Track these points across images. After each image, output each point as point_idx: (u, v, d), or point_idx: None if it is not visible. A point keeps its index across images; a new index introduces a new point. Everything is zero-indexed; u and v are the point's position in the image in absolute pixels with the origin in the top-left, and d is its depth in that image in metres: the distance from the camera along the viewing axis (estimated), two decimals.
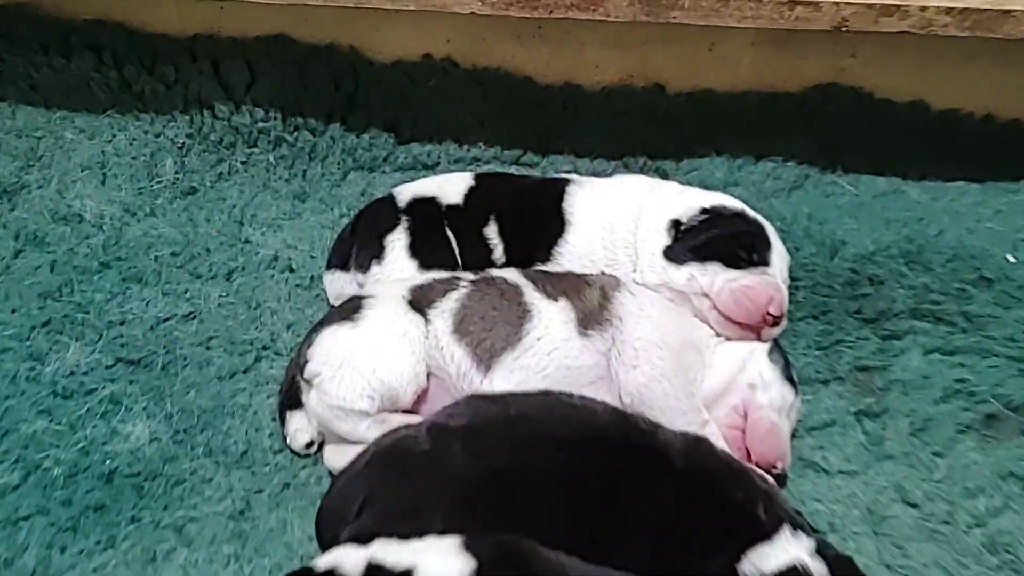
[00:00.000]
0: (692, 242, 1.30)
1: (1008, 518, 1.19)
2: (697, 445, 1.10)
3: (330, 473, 1.24)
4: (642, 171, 1.72)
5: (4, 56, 1.81)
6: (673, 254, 1.31)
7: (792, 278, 1.44)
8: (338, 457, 1.20)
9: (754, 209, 1.43)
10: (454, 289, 1.24)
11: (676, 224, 1.35)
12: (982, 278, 1.50)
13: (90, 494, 1.21)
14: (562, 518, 1.01)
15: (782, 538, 1.01)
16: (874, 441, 1.30)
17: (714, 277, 1.29)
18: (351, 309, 1.26)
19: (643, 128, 1.79)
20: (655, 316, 1.23)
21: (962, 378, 1.36)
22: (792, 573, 0.99)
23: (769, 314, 1.25)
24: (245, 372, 1.39)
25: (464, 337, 1.20)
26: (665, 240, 1.35)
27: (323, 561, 0.95)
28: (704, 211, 1.36)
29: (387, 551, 0.94)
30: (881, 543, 1.16)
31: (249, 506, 1.22)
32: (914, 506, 1.22)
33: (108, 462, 1.25)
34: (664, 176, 1.70)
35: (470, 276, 1.28)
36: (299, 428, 1.26)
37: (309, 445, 1.26)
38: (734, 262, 1.30)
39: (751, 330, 1.26)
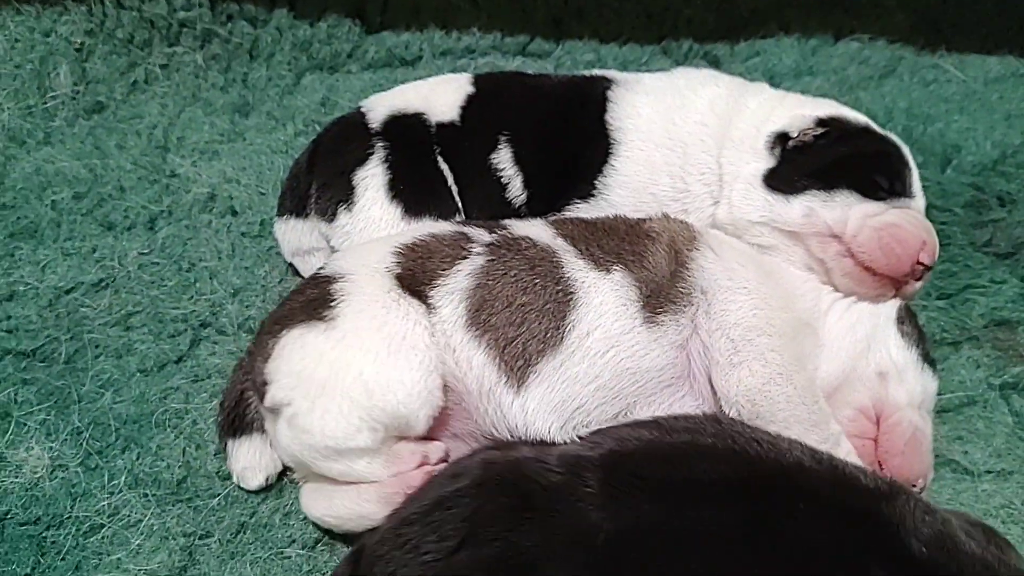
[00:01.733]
0: (811, 164, 0.94)
1: None
2: (949, 530, 0.73)
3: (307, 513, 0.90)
4: (687, 59, 1.34)
5: None
6: (782, 181, 0.95)
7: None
8: (322, 502, 0.86)
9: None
10: (464, 258, 0.87)
11: (782, 139, 0.98)
12: None
13: None
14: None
15: None
16: (1019, 423, 0.98)
17: (847, 211, 0.94)
18: (320, 302, 0.88)
19: (680, 7, 1.37)
20: (754, 286, 0.86)
21: None
22: None
23: (920, 263, 0.90)
24: (178, 362, 1.05)
25: (485, 334, 0.84)
26: (767, 162, 0.98)
27: None
28: (821, 122, 0.98)
29: None
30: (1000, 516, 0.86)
31: (193, 559, 0.89)
32: None
33: None
34: (715, 64, 1.31)
35: (484, 234, 0.90)
36: (248, 466, 0.91)
37: (264, 486, 0.92)
38: (872, 192, 0.95)
39: (890, 285, 0.91)
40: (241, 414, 0.93)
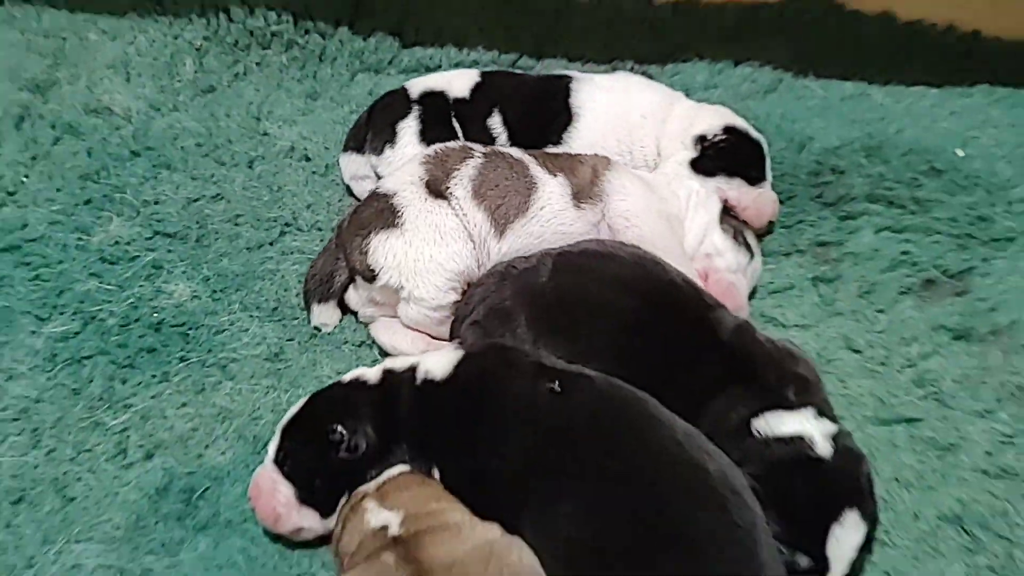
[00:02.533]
0: (720, 158, 1.50)
1: (935, 361, 1.39)
2: (744, 328, 1.23)
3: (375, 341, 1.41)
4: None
5: None
6: (702, 167, 1.50)
7: None
8: (389, 335, 1.37)
9: (732, 110, 1.61)
10: (470, 157, 1.38)
11: (702, 139, 1.52)
12: (933, 168, 1.67)
13: (142, 339, 1.38)
14: (621, 349, 1.18)
15: (802, 415, 1.13)
16: (826, 301, 1.49)
17: (739, 191, 1.50)
18: (388, 212, 1.33)
19: (631, 35, 1.93)
20: (639, 192, 1.39)
21: (907, 251, 1.54)
22: (796, 440, 1.10)
23: (771, 220, 1.50)
24: (271, 244, 1.55)
25: (483, 203, 1.34)
26: (692, 153, 1.52)
27: (349, 374, 1.17)
28: (726, 129, 1.53)
29: (396, 361, 1.18)
30: (827, 378, 1.33)
31: (282, 351, 1.39)
32: (857, 352, 1.41)
33: (156, 314, 1.41)
34: (650, 78, 1.85)
35: (481, 147, 1.42)
36: (325, 321, 1.41)
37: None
38: (751, 179, 1.51)
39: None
40: (327, 289, 1.41)
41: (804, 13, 1.93)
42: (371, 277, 1.34)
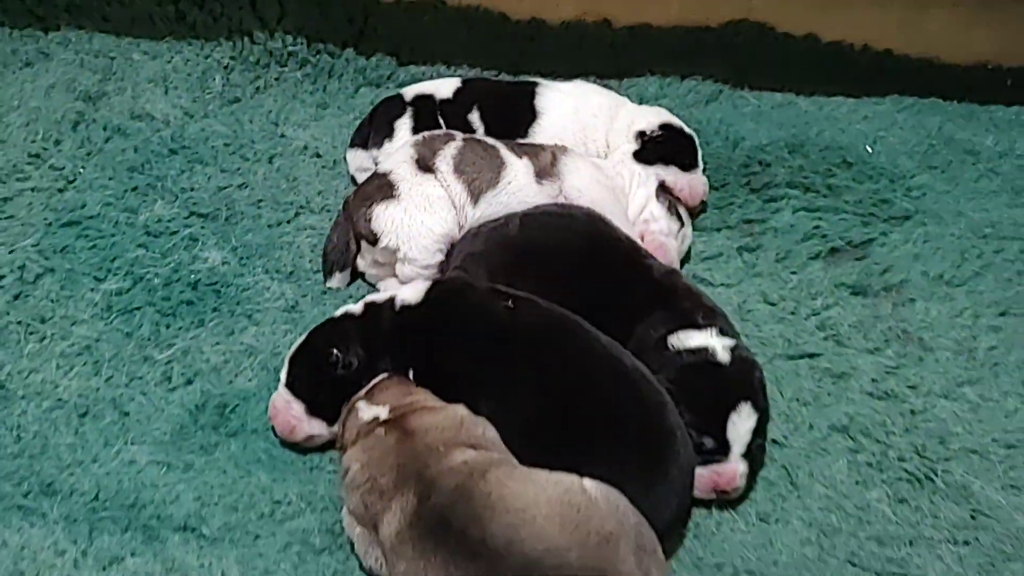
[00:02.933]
0: (658, 150, 1.81)
1: (835, 311, 1.68)
2: (672, 273, 1.57)
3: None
4: None
5: None
6: (643, 157, 1.80)
7: (704, 162, 1.93)
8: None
9: (678, 116, 1.93)
10: (452, 140, 1.70)
11: (642, 134, 1.84)
12: (845, 161, 1.99)
13: (182, 294, 1.67)
14: (574, 283, 1.49)
15: (707, 332, 1.42)
16: (748, 265, 1.79)
17: (675, 176, 1.81)
18: (387, 187, 1.65)
19: (593, 55, 2.27)
20: (588, 170, 1.70)
21: (818, 226, 1.84)
22: (701, 351, 1.39)
23: (703, 201, 1.83)
24: (289, 222, 1.85)
25: (462, 176, 1.65)
26: (634, 146, 1.83)
27: (339, 310, 1.47)
28: (662, 126, 1.85)
29: (376, 296, 1.47)
30: (745, 325, 1.63)
31: (298, 304, 1.69)
32: (771, 304, 1.71)
33: (193, 276, 1.71)
34: (609, 88, 2.18)
35: (460, 134, 1.74)
36: (339, 284, 1.71)
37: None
38: (685, 166, 1.83)
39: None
40: (342, 258, 1.70)
41: (740, 35, 2.26)
42: (373, 240, 1.64)
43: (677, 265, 1.71)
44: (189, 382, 1.55)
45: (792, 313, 1.69)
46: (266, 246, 1.80)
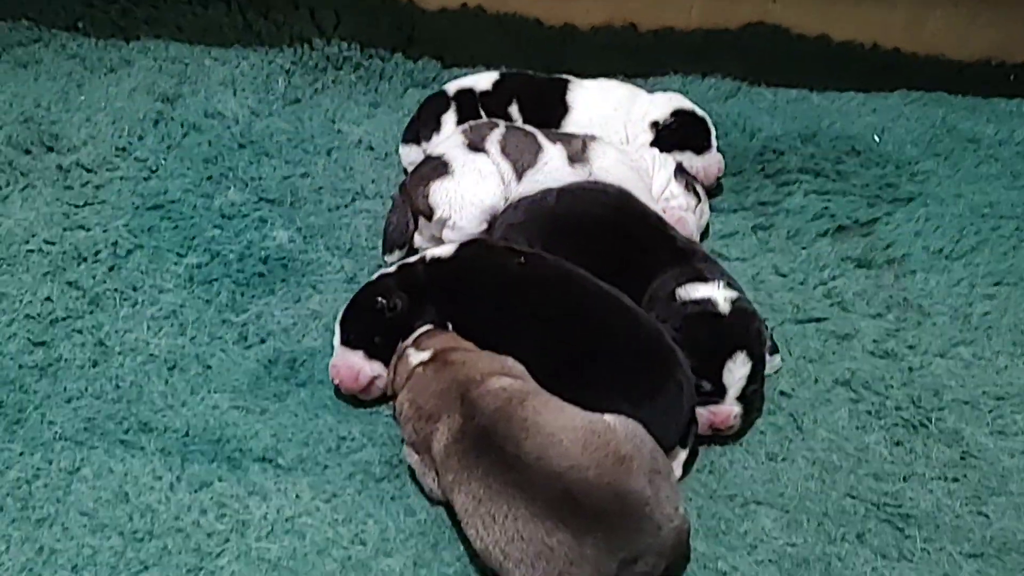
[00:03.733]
0: (672, 137, 2.00)
1: (841, 281, 1.85)
2: (691, 242, 1.76)
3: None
4: None
5: (159, 6, 2.52)
6: (659, 146, 1.99)
7: (720, 150, 2.11)
8: None
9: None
10: (497, 127, 1.91)
11: (656, 124, 2.03)
12: (854, 150, 2.16)
13: (255, 267, 1.89)
14: (603, 247, 1.69)
15: (712, 285, 1.59)
16: (762, 242, 1.96)
17: (691, 159, 1.99)
18: (442, 166, 1.85)
19: (620, 56, 2.46)
20: (614, 154, 1.90)
21: (827, 206, 2.01)
22: (704, 301, 1.55)
23: (717, 178, 2.01)
24: (347, 206, 2.06)
25: (508, 157, 1.86)
26: (649, 136, 2.02)
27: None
28: (674, 113, 2.04)
29: (407, 259, 1.69)
30: (757, 294, 1.80)
31: (355, 276, 1.88)
32: (783, 275, 1.88)
33: (263, 252, 1.92)
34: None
35: (503, 122, 1.95)
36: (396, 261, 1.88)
37: None
38: (699, 150, 2.01)
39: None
40: (401, 237, 1.88)
41: (757, 36, 2.45)
42: (430, 215, 1.84)
43: (696, 237, 1.88)
44: (263, 341, 1.75)
45: (801, 283, 1.86)
46: (327, 227, 2.01)
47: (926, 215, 2.00)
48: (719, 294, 1.57)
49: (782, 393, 1.64)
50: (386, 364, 1.60)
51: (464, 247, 1.67)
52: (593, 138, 1.94)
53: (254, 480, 1.48)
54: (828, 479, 1.50)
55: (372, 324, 1.60)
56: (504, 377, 1.39)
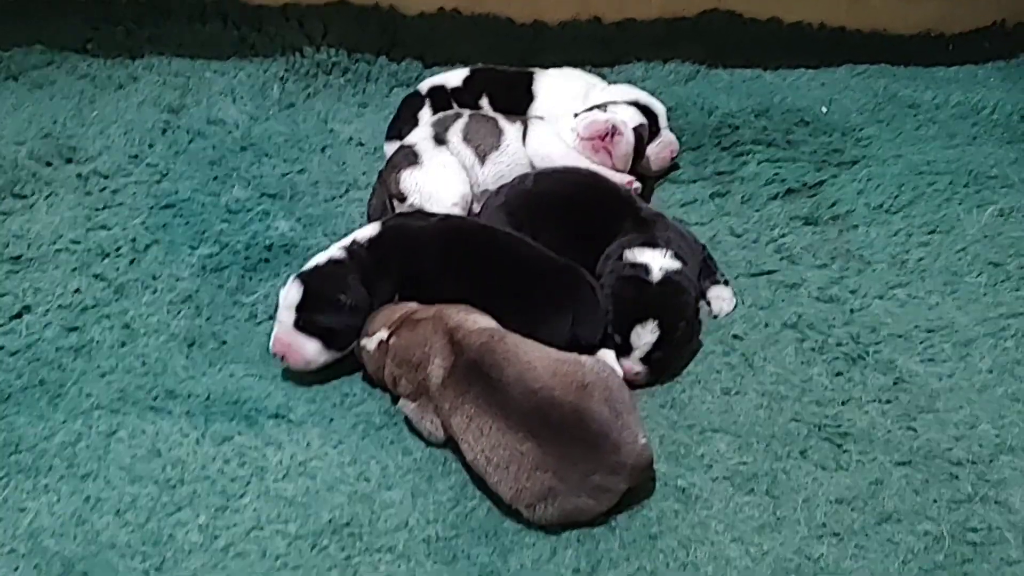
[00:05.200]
0: None
1: (790, 237, 2.04)
2: (658, 214, 1.93)
3: None
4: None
5: (161, 25, 2.74)
6: None
7: (681, 129, 2.31)
8: None
9: (661, 93, 2.33)
10: (460, 117, 2.12)
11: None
12: (803, 121, 2.35)
13: (260, 255, 2.08)
14: (575, 219, 1.89)
15: (657, 252, 1.77)
16: (719, 208, 2.16)
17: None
18: (413, 156, 2.07)
19: (587, 48, 2.66)
20: (543, 131, 2.11)
21: (778, 172, 2.21)
22: (641, 266, 1.72)
23: (671, 159, 2.23)
24: (342, 197, 2.27)
25: (469, 143, 2.07)
26: None
27: (323, 256, 1.80)
28: (628, 103, 2.21)
29: (343, 241, 1.82)
30: (715, 253, 1.98)
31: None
32: (737, 236, 2.07)
33: (267, 241, 2.12)
34: (602, 76, 2.57)
35: (467, 111, 2.16)
36: None
37: None
38: (651, 135, 2.20)
39: None
40: (380, 216, 2.11)
41: (713, 23, 2.66)
42: (402, 199, 2.06)
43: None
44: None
45: (754, 241, 2.06)
46: (324, 216, 2.21)
47: (868, 175, 2.19)
48: (658, 262, 1.73)
49: (735, 336, 1.83)
50: (340, 349, 1.74)
51: (386, 222, 1.84)
52: (535, 119, 2.16)
53: (269, 433, 1.68)
54: (775, 407, 1.69)
55: (332, 318, 1.71)
56: (480, 318, 1.60)
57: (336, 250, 1.80)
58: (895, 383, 1.73)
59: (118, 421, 1.69)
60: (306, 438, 1.67)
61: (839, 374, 1.75)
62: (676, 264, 1.75)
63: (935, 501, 1.51)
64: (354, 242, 1.80)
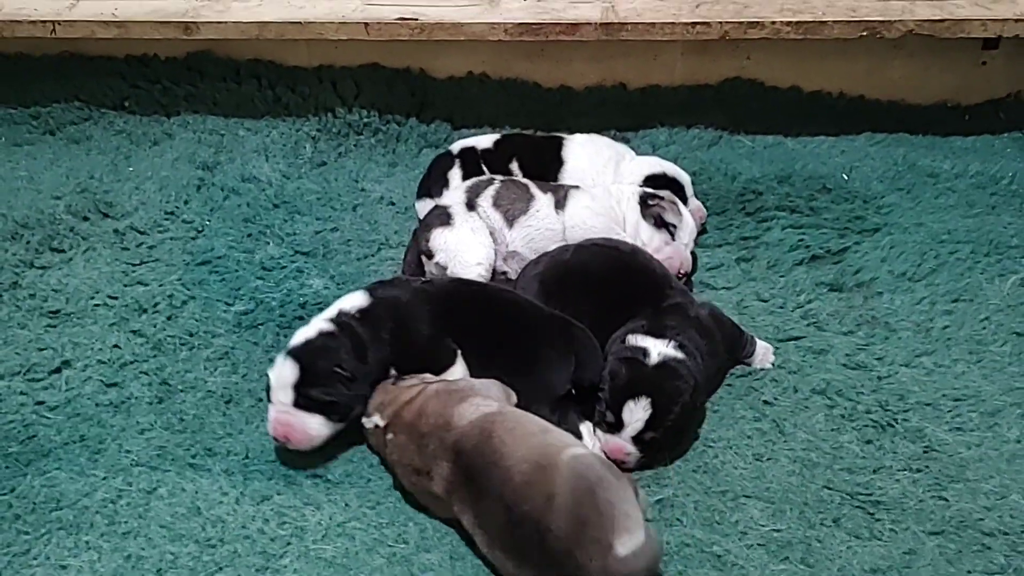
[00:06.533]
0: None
1: (816, 304, 2.09)
2: (681, 305, 1.86)
3: None
4: (614, 137, 2.64)
5: (197, 84, 2.81)
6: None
7: (705, 194, 2.37)
8: None
9: (685, 158, 2.39)
10: (492, 183, 2.18)
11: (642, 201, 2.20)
12: (824, 187, 2.41)
13: (295, 312, 2.12)
14: (603, 295, 1.91)
15: (663, 341, 1.74)
16: (745, 273, 2.20)
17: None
18: (445, 216, 2.13)
19: (613, 113, 2.74)
20: (585, 203, 2.15)
21: (802, 239, 2.26)
22: (640, 350, 1.73)
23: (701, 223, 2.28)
24: (374, 255, 2.32)
25: (498, 208, 2.13)
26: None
27: (312, 329, 1.78)
28: (648, 179, 2.28)
29: (328, 313, 1.82)
30: (742, 318, 2.03)
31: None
32: (764, 301, 2.11)
33: (301, 298, 2.16)
34: (626, 141, 2.63)
35: (500, 177, 2.22)
36: None
37: None
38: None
39: None
40: (415, 272, 2.15)
41: (735, 90, 2.73)
42: (430, 256, 2.12)
43: (688, 259, 2.12)
44: None
45: (781, 307, 2.10)
46: (356, 274, 2.26)
47: (891, 243, 2.24)
48: (658, 349, 1.74)
49: (765, 402, 1.86)
50: (343, 420, 1.74)
51: (374, 292, 1.85)
52: (576, 187, 2.21)
53: (308, 493, 1.70)
54: (808, 474, 1.71)
55: (332, 389, 1.70)
56: (465, 404, 1.60)
57: (323, 322, 1.79)
58: (925, 451, 1.75)
59: (158, 478, 1.72)
60: (344, 498, 1.69)
61: (869, 442, 1.78)
62: (678, 354, 1.74)
63: (969, 572, 1.53)
64: (341, 312, 1.80)
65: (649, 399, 1.68)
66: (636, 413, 1.69)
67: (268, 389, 1.75)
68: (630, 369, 1.73)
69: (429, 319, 1.81)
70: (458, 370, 1.79)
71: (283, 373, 1.72)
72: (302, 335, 1.78)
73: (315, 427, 1.72)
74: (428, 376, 1.76)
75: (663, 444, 1.72)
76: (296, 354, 1.74)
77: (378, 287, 1.89)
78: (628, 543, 1.38)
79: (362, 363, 1.75)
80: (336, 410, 1.72)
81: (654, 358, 1.74)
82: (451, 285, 1.94)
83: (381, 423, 1.69)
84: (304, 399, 1.71)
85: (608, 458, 1.63)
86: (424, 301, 1.83)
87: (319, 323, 1.79)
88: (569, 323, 1.83)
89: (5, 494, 1.67)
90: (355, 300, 1.84)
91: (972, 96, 2.70)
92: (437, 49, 2.71)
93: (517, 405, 1.70)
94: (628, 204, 2.17)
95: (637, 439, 1.70)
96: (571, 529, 1.39)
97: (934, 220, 2.31)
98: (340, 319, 1.79)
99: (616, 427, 1.71)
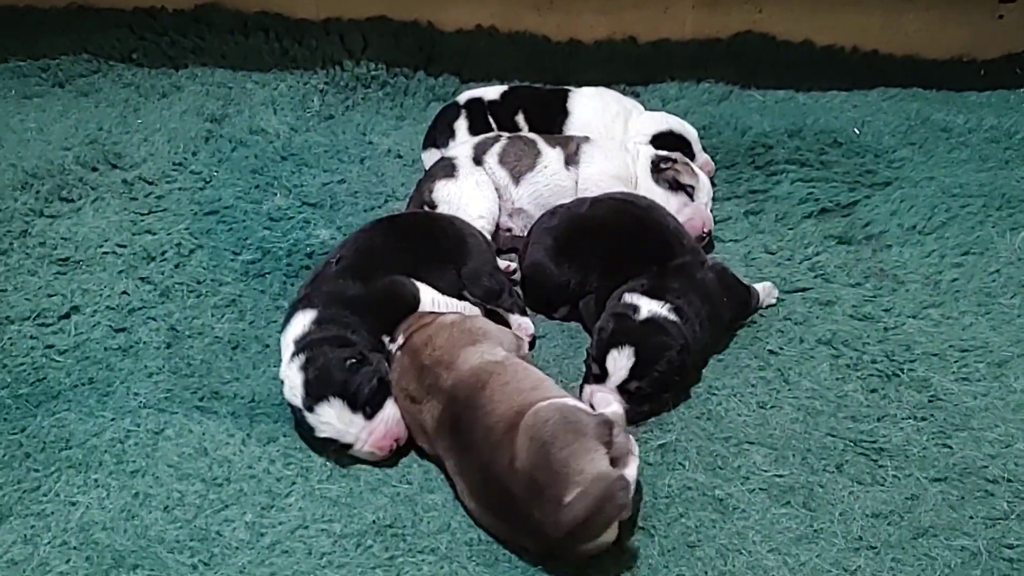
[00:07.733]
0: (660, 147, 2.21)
1: (824, 256, 2.08)
2: (688, 264, 1.84)
3: None
4: (624, 92, 2.62)
5: (205, 37, 2.80)
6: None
7: (715, 148, 2.35)
8: None
9: (694, 112, 2.37)
10: (499, 140, 2.16)
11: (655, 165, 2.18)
12: (835, 142, 2.38)
13: (301, 261, 2.12)
14: (613, 251, 1.90)
15: (657, 302, 1.73)
16: (753, 226, 2.19)
17: None
18: (450, 168, 2.13)
19: (623, 67, 2.71)
20: (600, 163, 2.13)
21: (811, 192, 2.24)
22: (632, 307, 1.73)
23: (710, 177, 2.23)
24: (380, 207, 2.32)
25: (505, 165, 2.12)
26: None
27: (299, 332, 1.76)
28: (655, 137, 2.26)
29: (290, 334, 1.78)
30: (749, 271, 2.03)
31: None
32: (771, 253, 2.10)
33: (308, 248, 2.17)
34: (636, 95, 2.61)
35: (507, 134, 2.20)
36: None
37: None
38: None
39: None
40: None
41: (747, 44, 2.69)
42: (433, 207, 2.11)
43: (709, 217, 2.10)
44: None
45: (788, 259, 2.08)
46: (362, 208, 2.26)
47: (901, 196, 2.21)
48: (649, 307, 1.73)
49: (770, 351, 1.86)
50: (376, 411, 1.64)
51: (308, 301, 1.78)
52: (587, 140, 2.18)
53: None
54: (811, 421, 1.71)
55: (357, 386, 1.62)
56: (471, 348, 1.61)
57: (308, 324, 1.73)
58: (930, 401, 1.74)
59: (165, 420, 1.73)
60: None
61: (874, 391, 1.77)
62: (671, 315, 1.74)
63: (971, 517, 1.52)
64: (299, 339, 1.71)
65: (633, 348, 1.68)
66: (619, 362, 1.68)
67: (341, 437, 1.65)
68: (617, 322, 1.73)
69: (359, 284, 1.78)
70: (426, 295, 1.82)
71: (343, 415, 1.62)
72: (315, 369, 1.65)
73: (392, 414, 1.66)
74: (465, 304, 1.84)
75: (649, 398, 1.71)
76: (335, 393, 1.63)
77: (310, 295, 1.80)
78: (575, 494, 1.38)
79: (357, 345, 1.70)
80: (364, 402, 1.63)
81: (643, 313, 1.73)
82: (346, 250, 1.87)
83: (401, 341, 1.71)
84: (368, 410, 1.64)
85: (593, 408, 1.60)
86: (342, 276, 1.80)
87: (306, 323, 1.73)
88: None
89: (16, 433, 1.69)
90: (305, 319, 1.74)
91: (988, 50, 2.65)
92: (445, 1, 2.68)
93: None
94: (641, 165, 2.15)
95: (623, 389, 1.69)
96: (528, 494, 1.41)
97: (946, 174, 2.29)
98: (306, 342, 1.70)
99: (601, 377, 1.71)
